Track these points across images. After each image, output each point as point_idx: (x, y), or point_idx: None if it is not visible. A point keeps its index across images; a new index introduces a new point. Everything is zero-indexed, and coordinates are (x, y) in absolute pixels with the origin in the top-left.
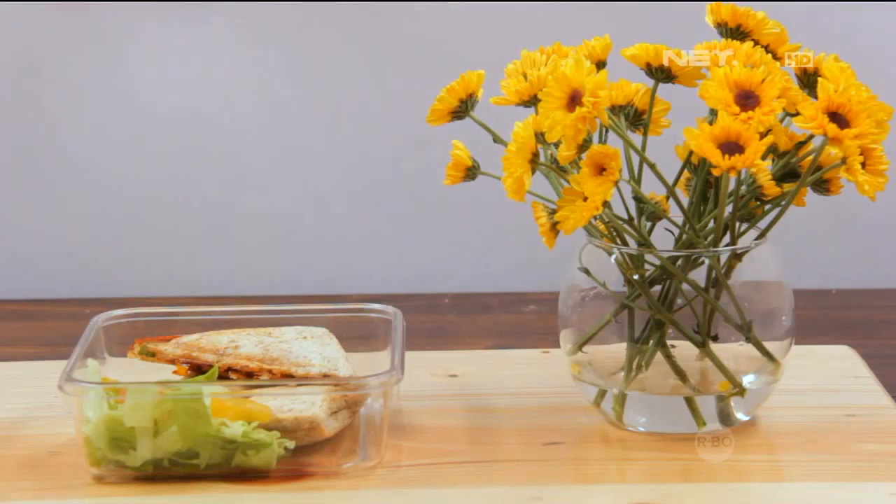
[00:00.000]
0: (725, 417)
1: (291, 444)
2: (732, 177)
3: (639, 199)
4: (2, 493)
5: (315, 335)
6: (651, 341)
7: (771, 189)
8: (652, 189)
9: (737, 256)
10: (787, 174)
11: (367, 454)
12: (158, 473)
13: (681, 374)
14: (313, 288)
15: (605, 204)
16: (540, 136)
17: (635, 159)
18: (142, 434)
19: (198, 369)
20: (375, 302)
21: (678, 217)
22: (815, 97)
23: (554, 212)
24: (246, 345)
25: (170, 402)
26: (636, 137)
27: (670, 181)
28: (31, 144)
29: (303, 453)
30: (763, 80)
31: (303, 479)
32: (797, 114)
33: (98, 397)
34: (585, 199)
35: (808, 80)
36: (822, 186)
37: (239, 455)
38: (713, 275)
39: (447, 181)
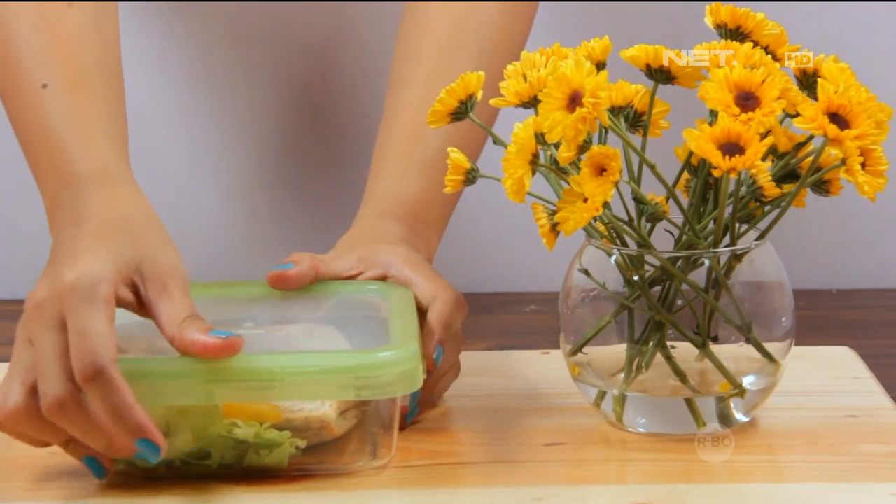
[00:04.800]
0: (725, 418)
1: (303, 444)
2: (732, 178)
3: (639, 199)
4: (1, 494)
5: (322, 333)
6: (651, 342)
7: (771, 190)
8: (652, 190)
9: (737, 257)
10: (786, 175)
11: (377, 453)
12: (170, 473)
13: (681, 374)
14: None
15: (605, 205)
16: (540, 137)
17: (635, 160)
18: None
19: None
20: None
21: (678, 218)
22: (815, 98)
23: (554, 213)
24: (252, 344)
25: (183, 406)
26: (636, 138)
27: (670, 182)
28: None
29: (313, 453)
30: (763, 82)
31: (307, 479)
32: (797, 115)
33: None
34: (585, 199)
35: (808, 80)
36: (822, 187)
37: (251, 455)
38: (713, 276)
39: (448, 189)
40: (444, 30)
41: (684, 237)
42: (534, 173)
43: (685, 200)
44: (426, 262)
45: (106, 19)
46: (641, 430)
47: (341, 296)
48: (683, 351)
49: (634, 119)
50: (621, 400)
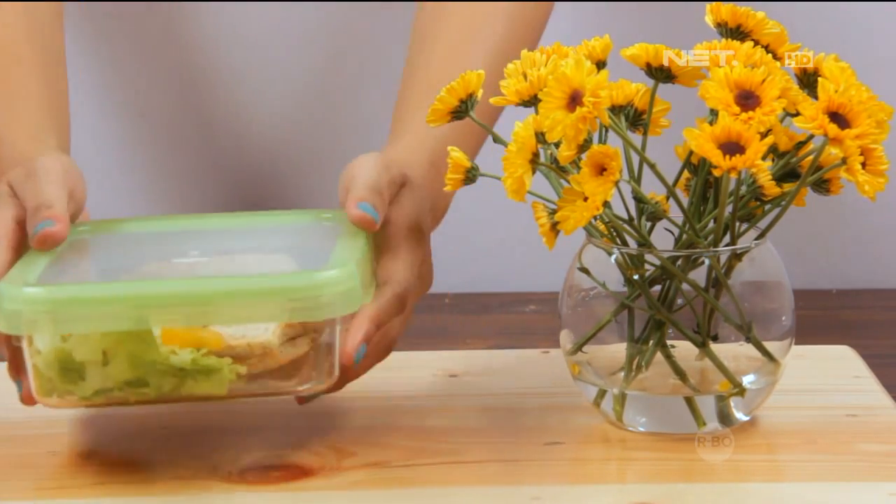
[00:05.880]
0: (725, 417)
1: (243, 370)
2: (733, 177)
3: (639, 199)
4: (1, 493)
5: (273, 262)
6: (651, 341)
7: (771, 189)
8: (652, 189)
9: (737, 256)
10: (787, 174)
11: (319, 378)
12: (110, 402)
13: (681, 373)
14: None
15: (606, 204)
16: (540, 136)
17: (635, 159)
18: (91, 364)
19: None
20: None
21: (678, 217)
22: (816, 97)
23: (554, 212)
24: (199, 272)
25: (117, 332)
26: (636, 137)
27: (670, 181)
28: None
29: (255, 380)
30: (763, 81)
31: (307, 478)
32: (797, 114)
33: None
34: (586, 199)
35: (808, 80)
36: (822, 186)
37: (189, 382)
38: (713, 275)
39: (448, 187)
40: (458, 21)
41: (684, 236)
42: (534, 172)
43: (685, 199)
44: (421, 230)
45: (38, 14)
46: (641, 429)
47: (295, 225)
48: (683, 350)
49: (635, 118)
50: (621, 399)
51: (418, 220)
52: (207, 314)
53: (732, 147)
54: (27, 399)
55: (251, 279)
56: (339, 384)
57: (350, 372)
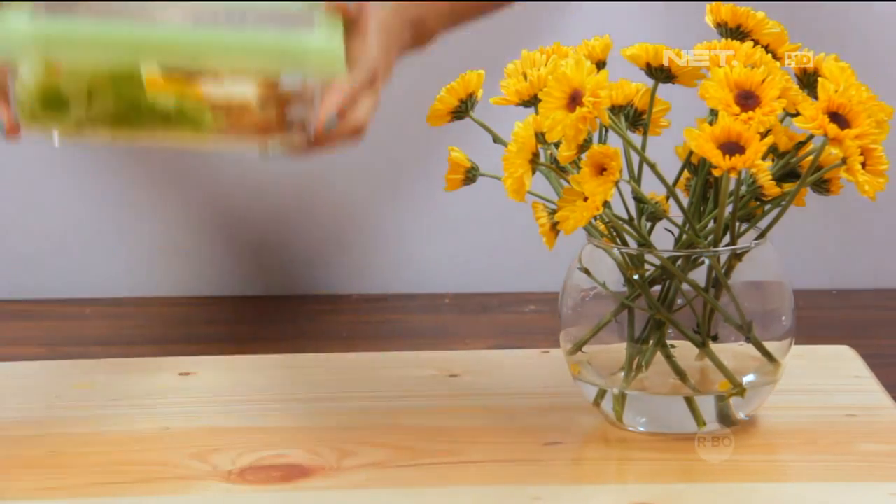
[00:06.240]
0: (725, 417)
1: (222, 120)
2: (733, 177)
3: (639, 199)
4: (2, 493)
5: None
6: (651, 341)
7: (771, 189)
8: (652, 189)
9: (737, 256)
10: (787, 174)
11: (293, 137)
12: (92, 135)
13: (681, 373)
14: (312, 287)
15: (606, 204)
16: (540, 136)
17: (635, 159)
18: (76, 98)
19: None
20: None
21: (678, 217)
22: (815, 97)
23: (554, 212)
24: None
25: (106, 70)
26: (636, 137)
27: (670, 181)
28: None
29: (233, 131)
30: (763, 81)
31: (306, 477)
32: (797, 114)
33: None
34: (586, 199)
35: (808, 80)
36: (822, 186)
37: (171, 126)
38: (713, 275)
39: (448, 188)
40: None
41: (684, 236)
42: (534, 172)
43: (685, 199)
44: (393, 20)
45: None
46: (641, 429)
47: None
48: (683, 350)
49: (635, 118)
50: (621, 399)
51: (392, 10)
52: (203, 60)
53: (732, 147)
54: (12, 129)
55: (247, 32)
56: (310, 152)
57: (321, 140)
